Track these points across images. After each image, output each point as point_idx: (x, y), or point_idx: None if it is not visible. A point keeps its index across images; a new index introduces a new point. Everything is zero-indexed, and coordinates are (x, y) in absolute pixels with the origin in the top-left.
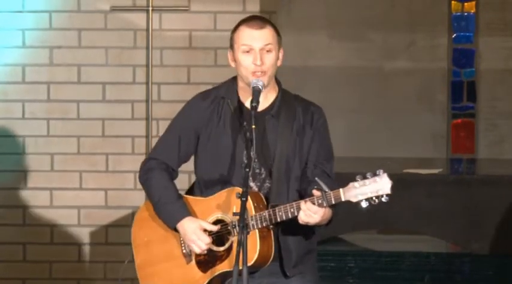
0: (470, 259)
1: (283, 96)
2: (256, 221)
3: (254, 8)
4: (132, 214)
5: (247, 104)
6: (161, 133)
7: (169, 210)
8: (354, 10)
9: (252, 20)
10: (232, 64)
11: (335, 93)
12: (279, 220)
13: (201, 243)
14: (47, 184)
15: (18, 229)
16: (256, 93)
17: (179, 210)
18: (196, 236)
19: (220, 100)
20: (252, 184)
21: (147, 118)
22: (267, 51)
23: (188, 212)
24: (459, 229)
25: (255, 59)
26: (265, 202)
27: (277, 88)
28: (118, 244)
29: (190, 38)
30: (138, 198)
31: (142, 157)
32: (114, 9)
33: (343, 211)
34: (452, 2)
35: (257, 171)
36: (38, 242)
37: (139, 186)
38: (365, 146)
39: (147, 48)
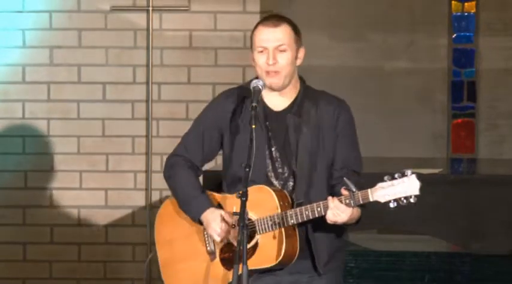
0: (471, 259)
1: (306, 93)
2: (283, 219)
3: (254, 8)
4: (132, 214)
5: (269, 103)
6: (161, 133)
7: (193, 204)
8: (354, 10)
9: (267, 19)
10: (253, 64)
11: (335, 93)
12: (305, 218)
13: (219, 230)
14: (47, 184)
15: (18, 228)
16: (256, 93)
17: (203, 202)
18: (217, 224)
19: (243, 100)
20: (275, 182)
21: (147, 118)
22: (281, 51)
23: (212, 204)
24: (459, 229)
25: (268, 58)
26: (290, 201)
27: (298, 87)
28: (118, 244)
29: (190, 37)
30: (138, 197)
31: (143, 157)
32: (114, 9)
33: None
34: (453, 2)
35: (279, 170)
36: (38, 242)
37: (139, 185)
38: (365, 146)
39: (147, 48)
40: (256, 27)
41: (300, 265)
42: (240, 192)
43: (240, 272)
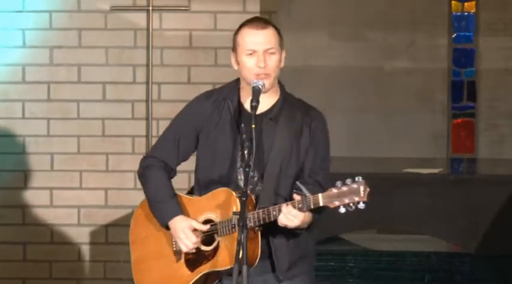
0: (470, 259)
1: (285, 99)
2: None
3: (254, 8)
4: (132, 214)
5: (247, 106)
6: (161, 132)
7: (162, 208)
8: (354, 10)
9: (254, 21)
10: (235, 66)
11: (335, 93)
12: (262, 222)
13: (188, 242)
14: (47, 183)
15: (18, 228)
16: (256, 92)
17: (171, 208)
18: (185, 235)
19: (222, 101)
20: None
21: (147, 118)
22: (270, 53)
23: (180, 211)
24: (459, 229)
25: (259, 61)
26: (254, 205)
27: (279, 92)
28: (118, 244)
29: (190, 37)
30: (138, 197)
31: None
32: (114, 8)
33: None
34: (453, 1)
35: (250, 173)
36: (38, 241)
37: (139, 185)
38: (365, 146)
39: (148, 47)
40: (240, 29)
41: (266, 266)
42: (239, 193)
43: (206, 271)
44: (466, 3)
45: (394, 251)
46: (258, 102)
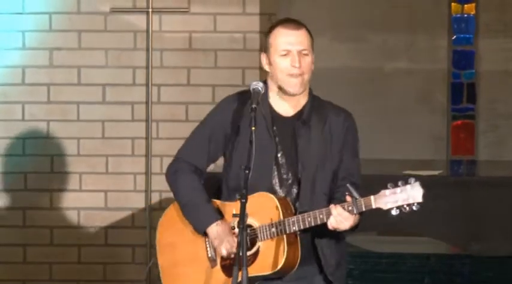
0: (470, 260)
1: (314, 102)
2: (285, 226)
3: (254, 9)
4: (132, 216)
5: (278, 109)
6: (161, 134)
7: (199, 213)
8: (354, 11)
9: (287, 22)
10: (267, 67)
11: (335, 94)
12: (307, 225)
13: (229, 246)
14: (47, 185)
15: (18, 230)
16: (255, 94)
17: (209, 213)
18: (226, 239)
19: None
20: (279, 190)
21: (147, 120)
22: (304, 54)
23: (219, 216)
24: (459, 231)
25: (293, 61)
26: (292, 209)
27: (307, 95)
28: (118, 246)
29: (190, 39)
30: (138, 199)
31: (142, 159)
32: (114, 10)
33: None
34: (452, 3)
35: (284, 176)
36: (38, 243)
37: (139, 187)
38: (365, 147)
39: (147, 49)
40: (274, 29)
41: (304, 272)
42: (240, 195)
43: (240, 276)
44: (465, 5)
45: (393, 253)
46: (258, 103)
